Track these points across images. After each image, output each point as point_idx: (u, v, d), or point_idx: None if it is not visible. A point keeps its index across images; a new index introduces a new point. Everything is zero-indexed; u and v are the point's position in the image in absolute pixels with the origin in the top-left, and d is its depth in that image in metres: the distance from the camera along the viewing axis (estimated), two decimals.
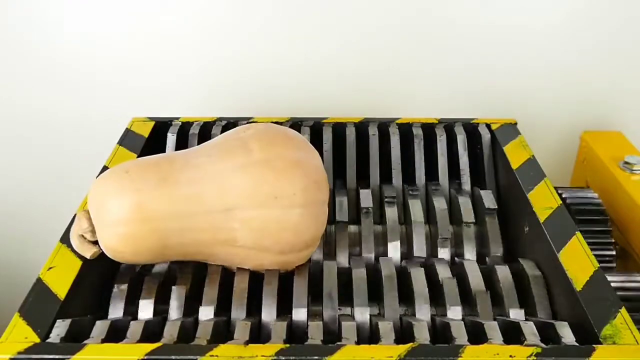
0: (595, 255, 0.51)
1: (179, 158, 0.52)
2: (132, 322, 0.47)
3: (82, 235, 0.51)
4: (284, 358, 0.42)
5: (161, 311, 0.50)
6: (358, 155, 0.69)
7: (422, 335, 0.45)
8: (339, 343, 0.44)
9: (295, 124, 0.71)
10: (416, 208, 0.62)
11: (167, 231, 0.49)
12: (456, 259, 0.59)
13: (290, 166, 0.51)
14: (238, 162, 0.50)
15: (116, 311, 0.51)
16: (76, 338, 0.45)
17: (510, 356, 0.41)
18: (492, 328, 0.45)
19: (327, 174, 0.67)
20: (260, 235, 0.50)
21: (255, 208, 0.50)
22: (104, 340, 0.44)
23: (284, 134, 0.54)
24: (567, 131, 0.90)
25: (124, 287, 0.52)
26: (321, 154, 0.69)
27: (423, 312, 0.50)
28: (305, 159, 0.52)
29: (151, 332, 0.47)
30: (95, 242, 0.51)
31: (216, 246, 0.51)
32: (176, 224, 0.49)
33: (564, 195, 0.68)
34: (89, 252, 0.51)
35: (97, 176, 0.62)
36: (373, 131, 0.70)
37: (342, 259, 0.59)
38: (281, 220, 0.50)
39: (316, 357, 0.41)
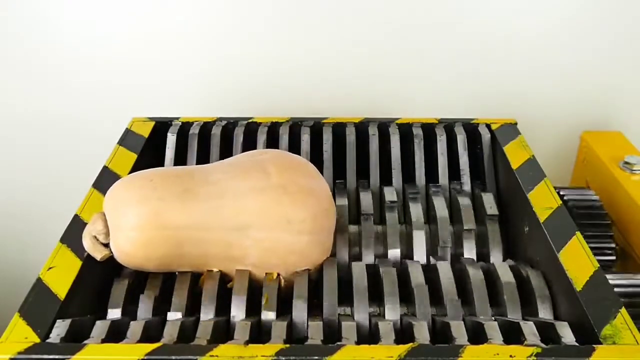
0: (595, 255, 0.51)
1: (198, 172, 0.54)
2: (132, 322, 0.47)
3: (95, 237, 0.51)
4: (284, 358, 0.42)
5: (161, 311, 0.50)
6: (358, 155, 0.69)
7: (422, 335, 0.45)
8: (339, 343, 0.44)
9: (295, 124, 0.71)
10: (416, 210, 0.62)
11: (181, 241, 0.50)
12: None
13: (305, 193, 0.53)
14: (256, 183, 0.52)
15: (116, 311, 0.50)
16: (76, 338, 0.44)
17: (510, 356, 0.41)
18: (492, 328, 0.45)
19: (327, 173, 0.68)
20: (269, 256, 0.52)
21: (268, 229, 0.51)
22: (104, 340, 0.44)
23: (299, 161, 0.57)
24: (567, 131, 0.90)
25: (124, 287, 0.52)
26: (321, 154, 0.69)
27: (423, 312, 0.50)
28: (318, 188, 0.55)
29: (151, 332, 0.47)
30: (107, 245, 0.51)
31: (225, 261, 0.52)
32: (191, 235, 0.51)
33: (563, 195, 0.68)
34: (99, 254, 0.51)
35: (98, 177, 0.62)
36: (373, 131, 0.70)
37: (342, 259, 0.59)
38: (290, 243, 0.52)
39: (316, 357, 0.41)
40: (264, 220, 0.51)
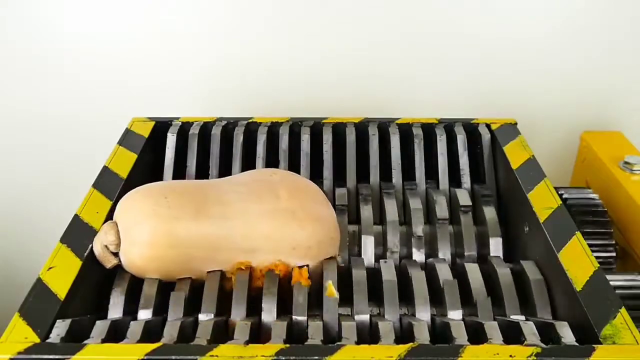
0: (595, 256, 0.51)
1: (211, 190, 0.55)
2: (132, 322, 0.47)
3: (106, 246, 0.52)
4: (284, 358, 0.42)
5: (161, 311, 0.50)
6: (358, 155, 0.69)
7: (422, 335, 0.45)
8: (339, 343, 0.44)
9: (295, 124, 0.71)
10: (417, 207, 0.62)
11: (190, 258, 0.52)
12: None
13: (313, 219, 0.54)
14: (267, 206, 0.54)
15: (116, 311, 0.51)
16: (76, 338, 0.44)
17: (510, 356, 0.41)
18: (492, 328, 0.45)
19: (327, 173, 0.68)
20: None
21: (274, 253, 0.53)
22: (104, 340, 0.44)
23: (309, 187, 0.58)
24: (567, 131, 0.90)
25: (124, 287, 0.52)
26: (321, 154, 0.69)
27: (423, 312, 0.50)
28: (326, 215, 0.56)
29: (151, 332, 0.47)
30: (116, 254, 0.52)
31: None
32: (200, 253, 0.52)
33: (564, 195, 0.68)
34: (109, 262, 0.52)
35: (98, 177, 0.62)
36: (373, 131, 0.70)
37: (342, 259, 0.59)
38: (293, 266, 0.53)
39: (316, 357, 0.41)
40: (271, 244, 0.53)
